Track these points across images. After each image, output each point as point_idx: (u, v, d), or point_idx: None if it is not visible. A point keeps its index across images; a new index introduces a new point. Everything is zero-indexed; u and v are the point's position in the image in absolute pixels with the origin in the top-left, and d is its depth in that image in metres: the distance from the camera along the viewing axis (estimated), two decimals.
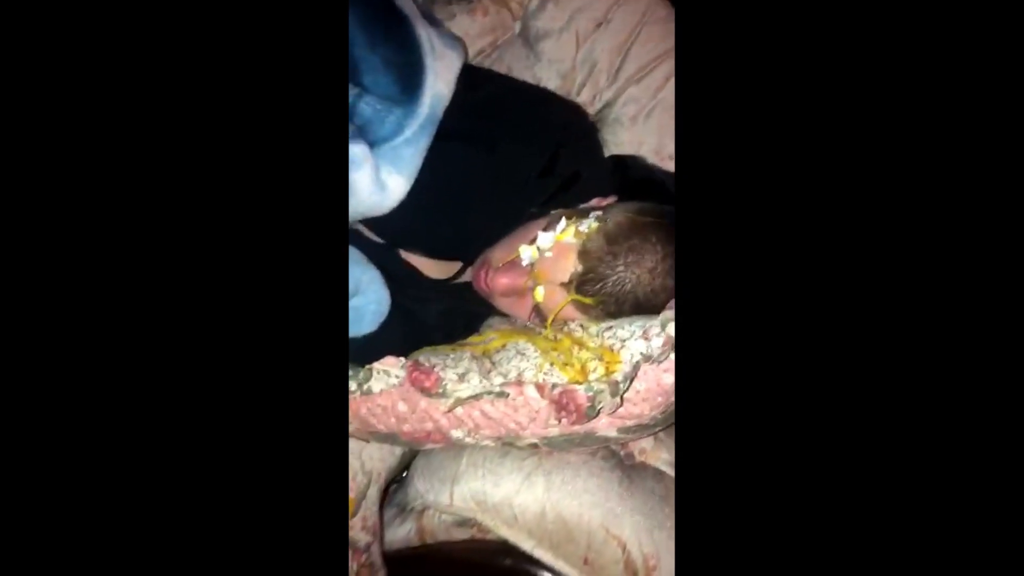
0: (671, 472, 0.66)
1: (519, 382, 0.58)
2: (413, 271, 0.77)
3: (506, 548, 0.66)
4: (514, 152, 0.73)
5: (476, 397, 0.59)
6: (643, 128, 0.83)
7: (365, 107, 0.69)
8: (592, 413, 0.56)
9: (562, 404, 0.57)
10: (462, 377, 0.62)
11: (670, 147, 0.81)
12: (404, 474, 0.74)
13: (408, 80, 0.70)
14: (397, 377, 0.64)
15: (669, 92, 0.83)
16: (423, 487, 0.68)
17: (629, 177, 0.70)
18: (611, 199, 0.68)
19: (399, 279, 0.73)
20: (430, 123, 0.71)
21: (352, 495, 0.67)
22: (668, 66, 0.83)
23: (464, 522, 0.67)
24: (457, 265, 0.79)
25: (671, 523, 0.60)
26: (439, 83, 0.71)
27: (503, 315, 0.74)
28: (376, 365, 0.65)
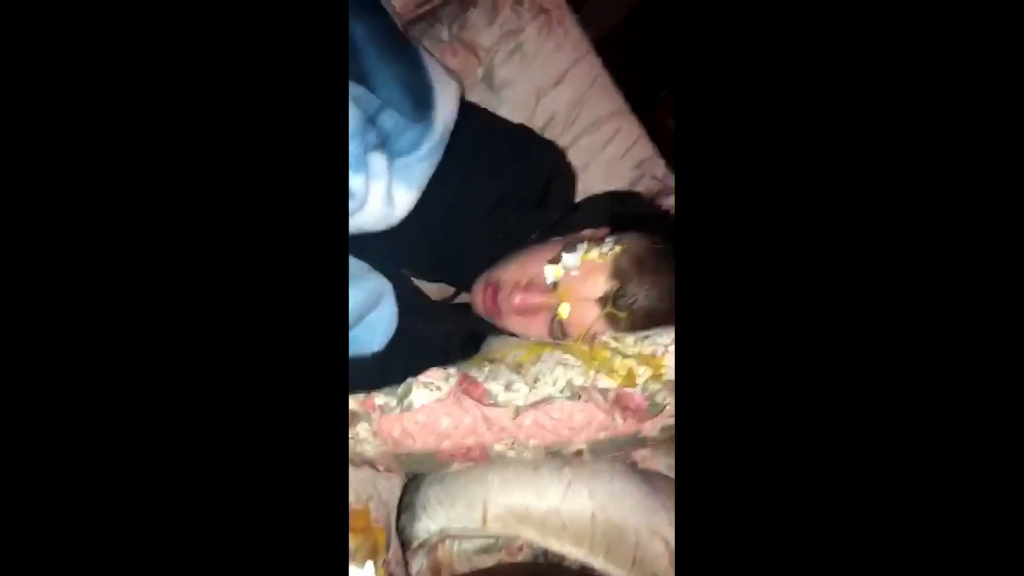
0: (672, 475, 0.72)
1: (585, 387, 0.60)
2: (417, 290, 0.74)
3: (536, 568, 0.64)
4: (510, 181, 0.77)
5: (546, 401, 0.59)
6: (592, 175, 0.93)
7: (387, 119, 0.68)
8: (656, 410, 0.61)
9: (623, 405, 0.61)
10: (508, 387, 0.62)
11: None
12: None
13: (419, 99, 0.71)
14: (439, 390, 0.61)
15: (614, 148, 0.95)
16: (444, 516, 0.64)
17: (623, 212, 0.77)
18: (604, 230, 0.75)
19: (405, 297, 0.70)
20: (441, 144, 0.71)
21: (380, 525, 0.60)
22: (612, 127, 0.95)
23: (489, 548, 0.64)
24: (444, 289, 0.78)
25: None
26: (447, 106, 0.73)
27: (505, 334, 0.75)
28: (420, 378, 0.61)
